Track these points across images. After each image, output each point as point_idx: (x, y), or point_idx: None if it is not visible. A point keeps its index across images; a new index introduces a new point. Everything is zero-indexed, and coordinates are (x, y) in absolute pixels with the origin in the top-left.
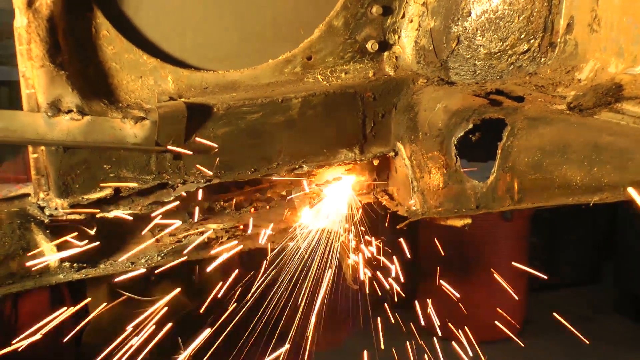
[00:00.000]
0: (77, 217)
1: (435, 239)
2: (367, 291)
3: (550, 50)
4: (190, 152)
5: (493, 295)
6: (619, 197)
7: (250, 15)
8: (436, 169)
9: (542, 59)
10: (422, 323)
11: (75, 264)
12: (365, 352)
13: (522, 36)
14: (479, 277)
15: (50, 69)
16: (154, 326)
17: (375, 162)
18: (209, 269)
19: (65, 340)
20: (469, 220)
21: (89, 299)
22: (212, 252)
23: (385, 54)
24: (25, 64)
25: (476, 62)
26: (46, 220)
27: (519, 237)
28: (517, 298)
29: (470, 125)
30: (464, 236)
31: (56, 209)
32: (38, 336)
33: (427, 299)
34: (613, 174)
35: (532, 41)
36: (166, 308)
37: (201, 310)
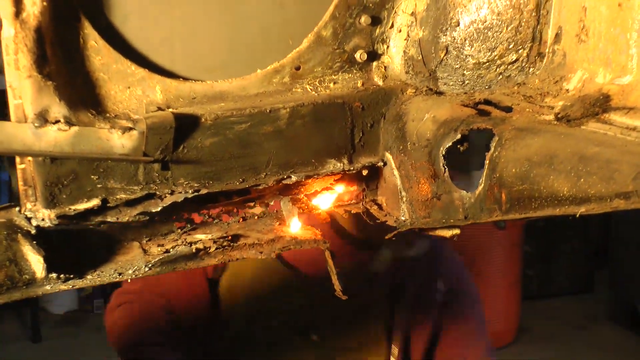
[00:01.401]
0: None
1: None
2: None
3: (538, 60)
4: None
5: (487, 303)
6: (605, 209)
7: (238, 26)
8: (424, 179)
9: (531, 69)
10: None
11: (62, 275)
12: None
13: (511, 46)
14: None
15: (37, 80)
16: None
17: (364, 172)
18: None
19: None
20: (457, 231)
21: None
22: (201, 262)
23: (374, 63)
24: (13, 74)
25: (465, 72)
26: (33, 231)
27: (513, 246)
28: (510, 306)
29: (459, 136)
30: (458, 244)
31: (43, 219)
32: None
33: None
34: (599, 185)
35: (520, 51)
36: None
37: None
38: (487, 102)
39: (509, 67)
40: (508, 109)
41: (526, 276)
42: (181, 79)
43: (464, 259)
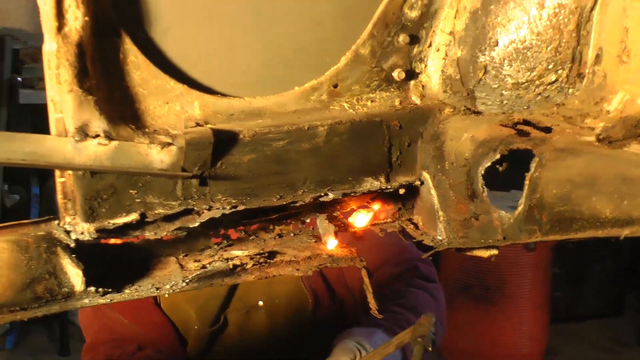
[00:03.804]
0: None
1: (456, 268)
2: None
3: (578, 81)
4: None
5: (515, 325)
6: None
7: (276, 43)
8: (462, 199)
9: (570, 90)
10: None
11: (100, 289)
12: None
13: (550, 66)
14: (500, 306)
15: (78, 94)
16: None
17: (402, 191)
18: None
19: None
20: (495, 252)
21: None
22: (237, 278)
23: (412, 82)
24: (54, 89)
25: (503, 92)
26: (72, 245)
27: (542, 267)
28: (538, 329)
29: (498, 156)
30: (486, 265)
31: (82, 233)
32: None
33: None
34: None
35: (560, 72)
36: None
37: None
38: (526, 122)
39: (548, 87)
40: (547, 130)
41: (555, 298)
42: (219, 95)
43: (492, 279)
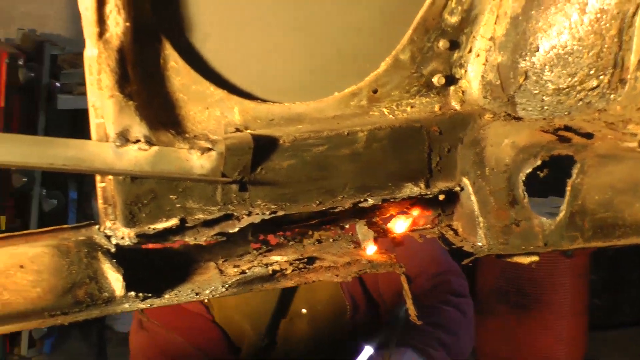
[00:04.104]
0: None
1: (493, 274)
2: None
3: (620, 86)
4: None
5: (552, 333)
6: None
7: (316, 48)
8: (503, 205)
9: (612, 96)
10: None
11: (140, 294)
12: None
13: (592, 72)
14: (537, 313)
15: (119, 99)
16: None
17: (441, 197)
18: None
19: None
20: (536, 258)
21: None
22: (277, 284)
23: (452, 88)
24: (95, 94)
25: (544, 97)
26: (113, 250)
27: (580, 275)
28: (576, 337)
29: (539, 162)
30: (523, 272)
31: (122, 238)
32: None
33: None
34: None
35: (601, 77)
36: None
37: None
38: (567, 128)
39: (589, 93)
40: (589, 136)
41: (593, 305)
42: (259, 101)
43: (528, 285)
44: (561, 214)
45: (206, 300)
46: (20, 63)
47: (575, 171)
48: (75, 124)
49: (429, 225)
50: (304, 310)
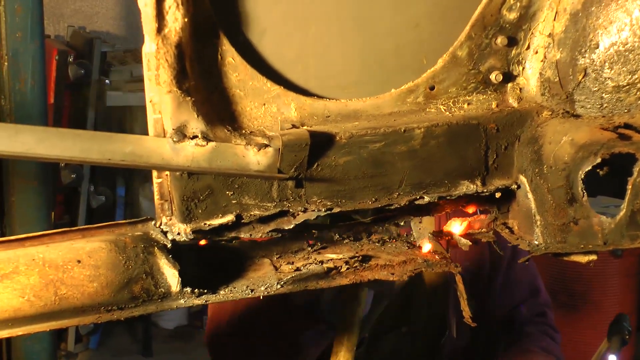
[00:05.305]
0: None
1: (540, 274)
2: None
3: None
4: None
5: (601, 333)
6: None
7: (372, 44)
8: (561, 203)
9: None
10: None
11: (196, 290)
12: None
13: None
14: (585, 313)
15: (177, 95)
16: None
17: (498, 195)
18: None
19: None
20: (594, 257)
21: None
22: (332, 282)
23: (509, 85)
24: (153, 90)
25: (603, 95)
26: (169, 245)
27: (629, 275)
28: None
29: (599, 160)
30: (571, 272)
31: (179, 233)
32: None
33: None
34: None
35: None
36: None
37: None
38: (627, 126)
39: None
40: None
41: None
42: (315, 97)
43: (577, 285)
44: (621, 213)
45: None
46: (70, 60)
47: (636, 170)
48: (123, 121)
49: (484, 229)
50: (403, 329)
